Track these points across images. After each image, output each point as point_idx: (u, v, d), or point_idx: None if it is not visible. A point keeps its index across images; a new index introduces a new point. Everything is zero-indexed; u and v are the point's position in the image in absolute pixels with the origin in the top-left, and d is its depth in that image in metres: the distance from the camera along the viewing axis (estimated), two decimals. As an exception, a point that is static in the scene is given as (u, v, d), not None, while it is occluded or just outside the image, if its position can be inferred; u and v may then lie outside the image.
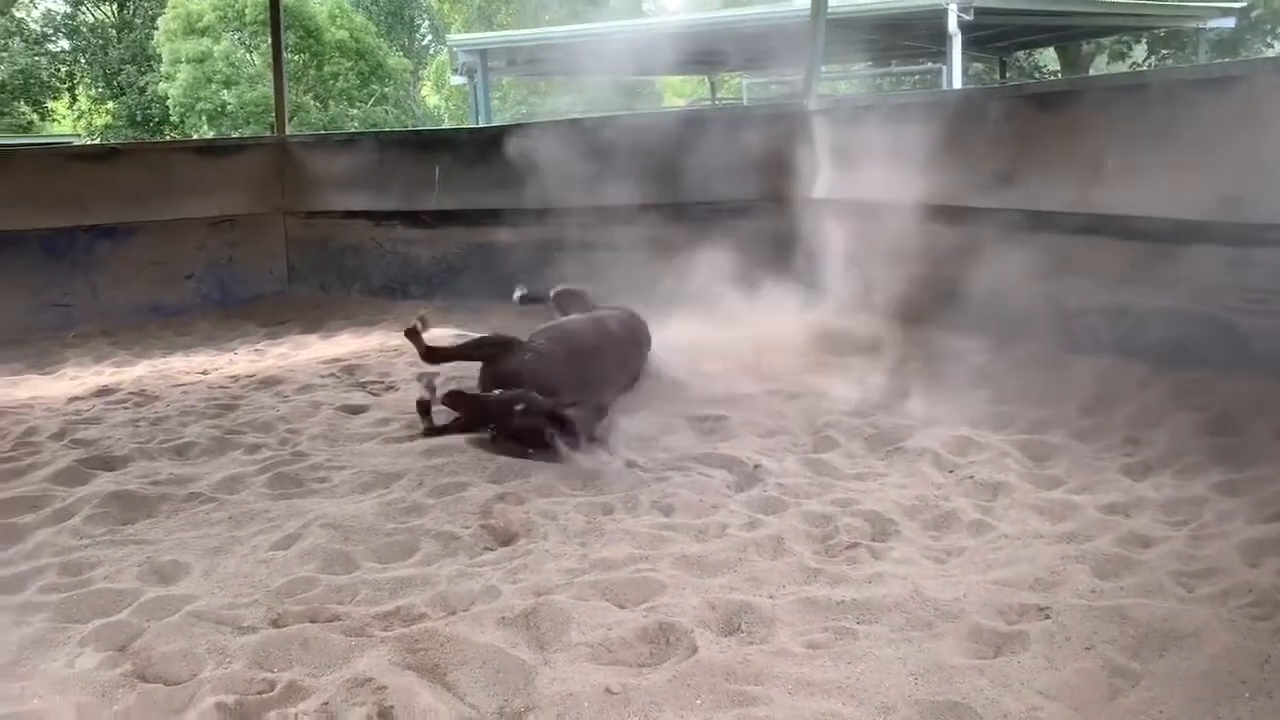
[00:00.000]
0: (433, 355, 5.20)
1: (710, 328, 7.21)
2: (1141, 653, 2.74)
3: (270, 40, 11.20)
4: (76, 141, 28.80)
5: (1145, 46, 27.23)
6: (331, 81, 37.14)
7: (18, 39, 37.99)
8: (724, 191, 8.07)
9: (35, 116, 38.32)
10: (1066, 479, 4.16)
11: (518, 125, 9.61)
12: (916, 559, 3.46)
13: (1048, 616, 2.93)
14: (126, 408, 5.94)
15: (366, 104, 37.23)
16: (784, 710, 2.53)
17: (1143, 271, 5.17)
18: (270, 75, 33.10)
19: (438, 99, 39.41)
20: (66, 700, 2.69)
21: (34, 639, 3.07)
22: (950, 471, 4.30)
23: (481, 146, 8.89)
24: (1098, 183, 5.34)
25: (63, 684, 2.79)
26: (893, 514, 3.84)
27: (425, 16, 46.33)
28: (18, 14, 37.82)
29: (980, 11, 17.29)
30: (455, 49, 19.63)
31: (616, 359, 5.46)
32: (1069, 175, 5.51)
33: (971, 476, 4.18)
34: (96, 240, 8.89)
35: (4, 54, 37.60)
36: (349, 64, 37.09)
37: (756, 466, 4.41)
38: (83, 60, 39.20)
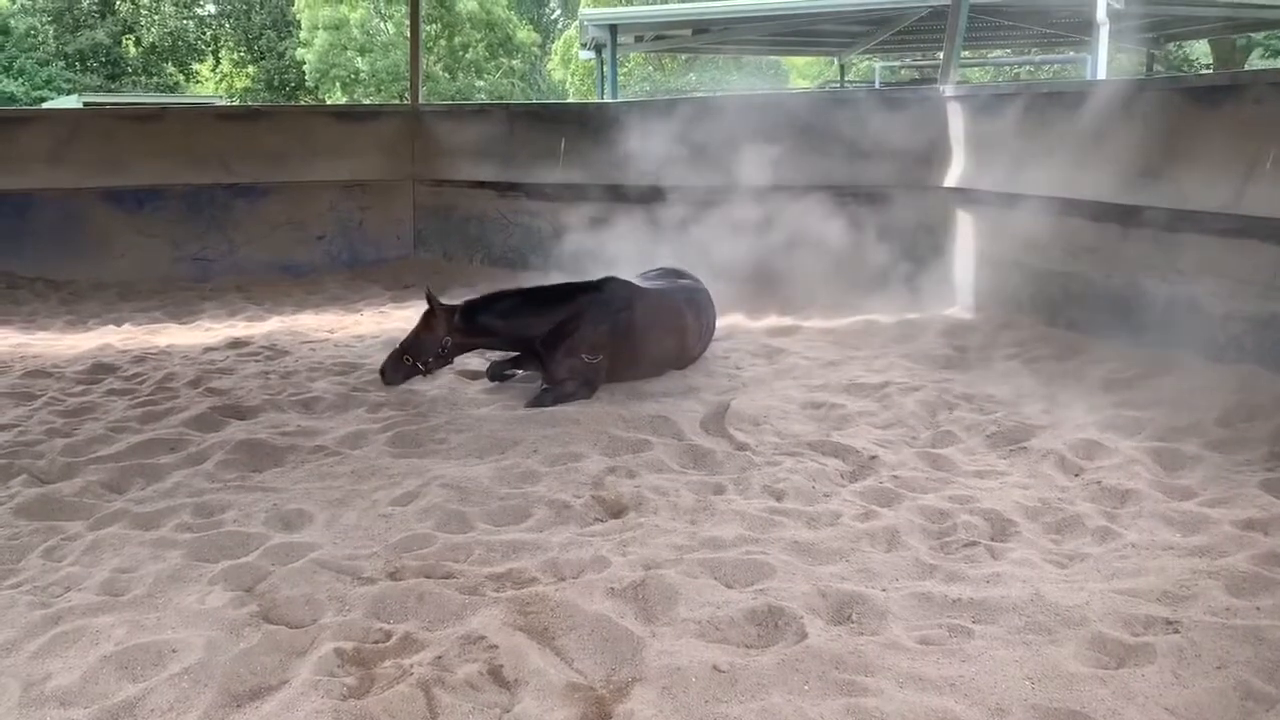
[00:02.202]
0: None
1: (828, 314, 7.12)
2: (1278, 676, 2.61)
3: (408, 9, 11.42)
4: (219, 103, 29.97)
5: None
6: (461, 52, 37.79)
7: (168, 2, 39.66)
8: (851, 176, 7.90)
9: (181, 78, 40.00)
10: (1200, 491, 3.96)
11: (642, 102, 9.58)
12: (1037, 562, 3.35)
13: (1176, 631, 2.81)
14: (258, 360, 6.19)
15: (494, 75, 37.77)
16: (894, 703, 2.49)
17: (1298, 279, 4.89)
18: (403, 44, 34.02)
19: (564, 73, 39.68)
20: (198, 634, 2.82)
21: (169, 574, 3.24)
22: (1076, 475, 4.15)
23: (607, 122, 8.87)
24: (1254, 183, 5.05)
25: (194, 618, 2.93)
26: (1013, 514, 3.72)
27: (556, -10, 46.70)
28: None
29: (1132, -1, 16.53)
30: (586, 23, 19.66)
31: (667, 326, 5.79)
32: (1222, 174, 5.23)
33: (1099, 481, 4.02)
34: (235, 198, 9.27)
35: (156, 16, 39.34)
36: (479, 35, 37.67)
37: (872, 457, 4.34)
38: (227, 25, 40.74)
